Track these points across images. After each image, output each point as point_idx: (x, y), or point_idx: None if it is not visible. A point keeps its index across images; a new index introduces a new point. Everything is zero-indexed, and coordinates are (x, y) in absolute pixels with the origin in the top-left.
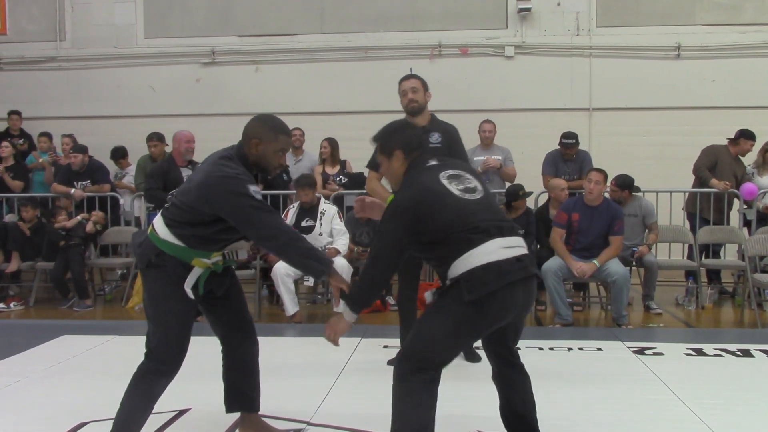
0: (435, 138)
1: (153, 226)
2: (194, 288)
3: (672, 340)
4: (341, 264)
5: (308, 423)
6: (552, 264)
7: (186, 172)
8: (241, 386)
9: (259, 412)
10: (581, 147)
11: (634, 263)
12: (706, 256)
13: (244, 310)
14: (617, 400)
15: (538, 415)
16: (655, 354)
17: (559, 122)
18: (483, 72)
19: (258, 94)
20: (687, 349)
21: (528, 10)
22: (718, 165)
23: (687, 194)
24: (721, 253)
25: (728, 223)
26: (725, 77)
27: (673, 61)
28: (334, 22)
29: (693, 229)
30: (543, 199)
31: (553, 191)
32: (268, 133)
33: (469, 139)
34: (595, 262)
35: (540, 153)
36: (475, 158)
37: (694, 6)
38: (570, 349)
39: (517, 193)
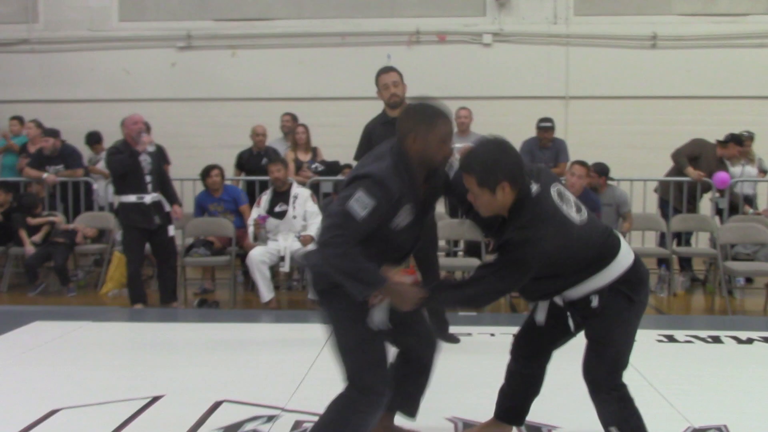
0: None
1: None
2: None
3: (644, 326)
4: None
5: (283, 409)
6: None
7: (145, 158)
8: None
9: (236, 399)
10: (558, 135)
11: None
12: (678, 244)
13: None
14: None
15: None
16: None
17: (536, 110)
18: (460, 59)
19: (234, 78)
20: (658, 335)
21: None
22: (700, 159)
23: (658, 184)
24: (693, 241)
25: (699, 212)
26: (700, 67)
27: (648, 50)
28: (312, 8)
29: (665, 217)
30: None
31: None
32: (422, 125)
33: None
34: None
35: (516, 141)
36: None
37: None
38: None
39: None
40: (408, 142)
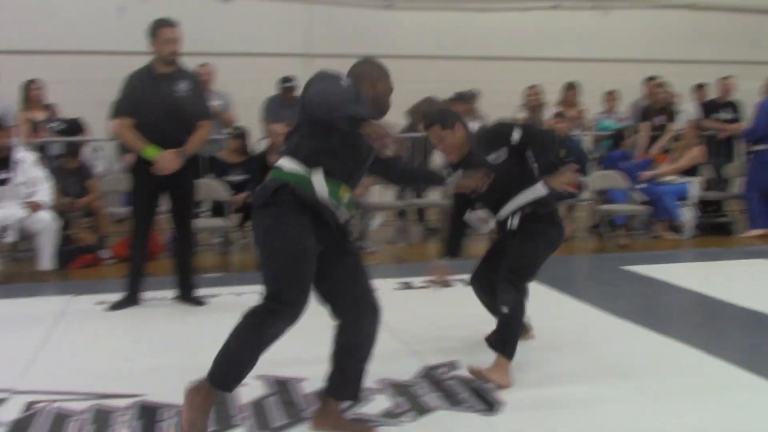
0: (183, 86)
1: None
2: None
3: (384, 275)
4: (45, 219)
5: (12, 391)
6: None
7: None
8: None
9: None
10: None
11: None
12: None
13: None
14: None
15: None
16: None
17: (279, 67)
18: (199, 14)
19: None
20: (396, 283)
21: None
22: None
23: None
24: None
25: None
26: (431, 28)
27: (384, 11)
28: None
29: None
30: (264, 146)
31: (274, 137)
32: (382, 75)
33: None
34: None
35: (259, 98)
36: None
37: None
38: None
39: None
40: (366, 86)
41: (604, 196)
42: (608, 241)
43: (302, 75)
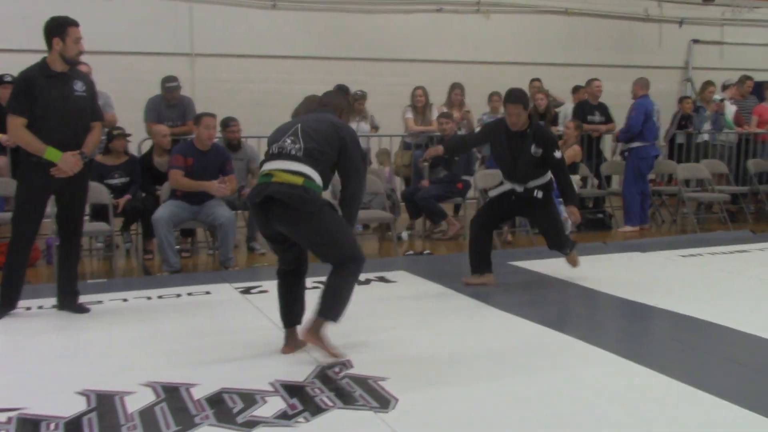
0: (80, 86)
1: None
2: None
3: (275, 277)
4: None
5: None
6: (163, 212)
7: None
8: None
9: None
10: (184, 93)
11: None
12: None
13: None
14: (222, 332)
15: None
16: (260, 292)
17: (162, 67)
18: (81, 10)
19: None
20: None
21: None
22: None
23: None
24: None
25: None
26: (317, 29)
27: (268, 11)
28: None
29: None
30: (147, 147)
31: (157, 137)
32: (347, 106)
33: None
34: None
35: (142, 98)
36: None
37: None
38: (179, 295)
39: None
40: (344, 115)
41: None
42: (494, 238)
43: (186, 74)
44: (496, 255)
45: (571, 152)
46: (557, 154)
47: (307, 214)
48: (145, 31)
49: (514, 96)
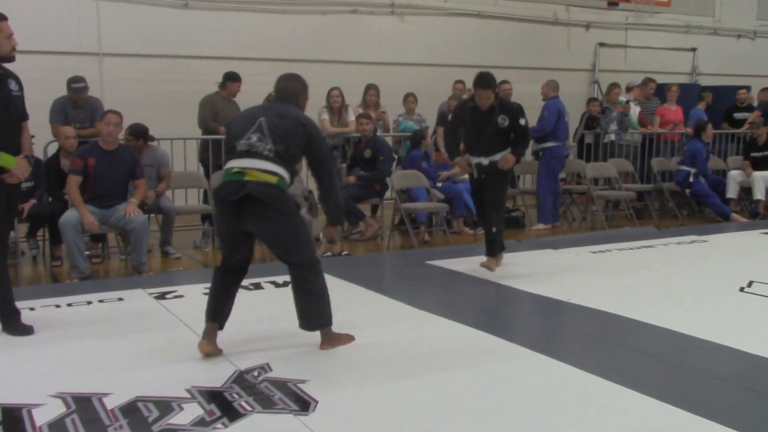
0: (14, 86)
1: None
2: None
3: (191, 281)
4: None
5: None
6: (70, 216)
7: None
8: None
9: None
10: (93, 94)
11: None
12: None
13: None
14: (135, 339)
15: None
16: (175, 297)
17: (68, 67)
18: None
19: None
20: (205, 288)
21: None
22: (219, 112)
23: (199, 143)
24: None
25: None
26: (231, 29)
27: (181, 10)
28: None
29: (207, 175)
30: (53, 150)
31: (62, 140)
32: (305, 88)
33: None
34: (134, 200)
35: (47, 99)
36: None
37: None
38: (90, 302)
39: None
40: (301, 99)
41: (407, 194)
42: (412, 237)
43: (94, 75)
44: (412, 254)
45: None
46: (522, 121)
47: (281, 212)
48: (48, 29)
49: (485, 81)
